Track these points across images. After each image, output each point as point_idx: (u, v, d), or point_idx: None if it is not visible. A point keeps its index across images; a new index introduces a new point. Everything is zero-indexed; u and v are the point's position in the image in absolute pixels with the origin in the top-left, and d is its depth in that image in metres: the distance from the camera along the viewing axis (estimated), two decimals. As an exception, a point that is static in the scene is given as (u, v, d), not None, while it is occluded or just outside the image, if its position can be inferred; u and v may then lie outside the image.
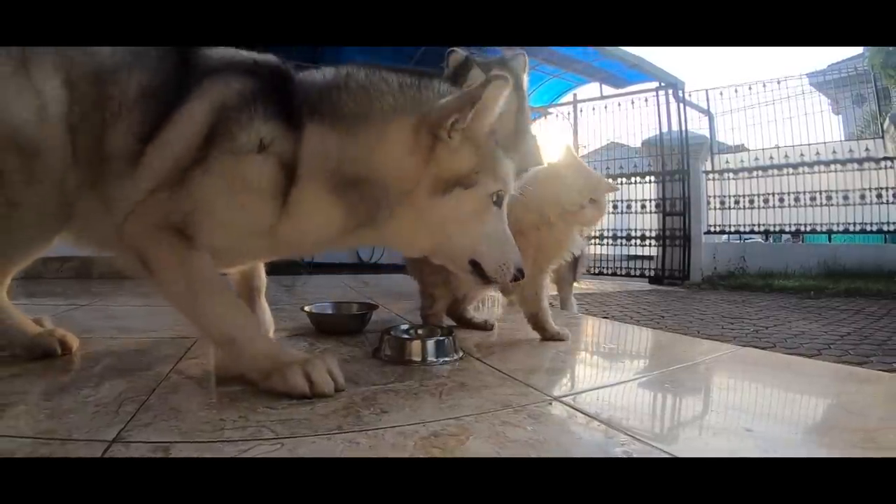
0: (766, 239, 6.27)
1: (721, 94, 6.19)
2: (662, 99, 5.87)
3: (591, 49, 5.03)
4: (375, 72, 0.92)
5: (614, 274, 5.94)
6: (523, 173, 1.01)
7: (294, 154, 0.87)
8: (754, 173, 6.02)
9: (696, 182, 5.84)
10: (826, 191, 5.65)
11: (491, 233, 0.95)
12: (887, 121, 5.62)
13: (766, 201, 5.92)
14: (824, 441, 0.78)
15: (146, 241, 0.87)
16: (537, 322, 1.37)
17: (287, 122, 0.88)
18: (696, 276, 5.53)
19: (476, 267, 0.97)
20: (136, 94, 0.88)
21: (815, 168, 5.72)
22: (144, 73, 0.89)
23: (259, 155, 0.85)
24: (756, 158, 6.13)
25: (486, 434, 0.70)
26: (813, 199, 5.71)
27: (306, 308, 1.46)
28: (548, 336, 1.36)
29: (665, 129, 5.87)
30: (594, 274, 5.83)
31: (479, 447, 0.66)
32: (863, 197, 5.49)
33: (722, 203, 6.10)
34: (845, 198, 5.57)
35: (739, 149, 6.43)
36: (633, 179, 6.06)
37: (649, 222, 5.94)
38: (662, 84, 5.88)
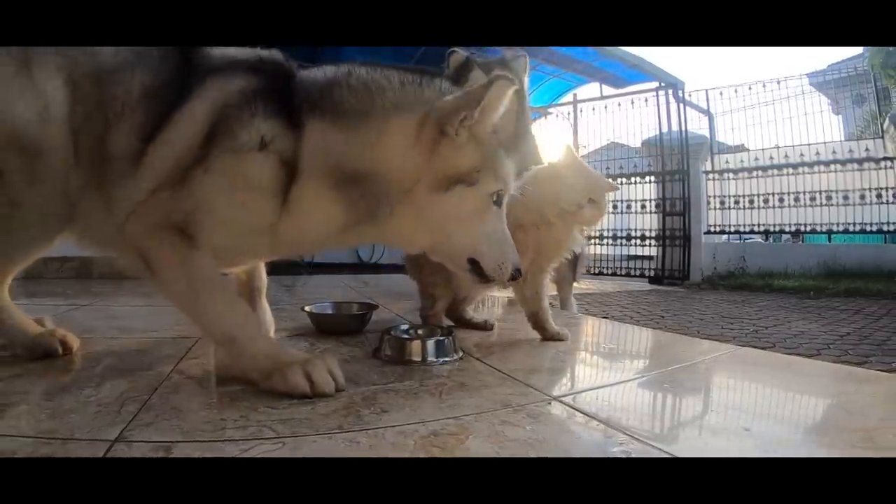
0: (766, 239, 6.27)
1: (721, 94, 6.19)
2: (662, 99, 5.87)
3: (591, 49, 5.03)
4: (376, 69, 0.92)
5: (614, 274, 5.94)
6: (523, 173, 1.02)
7: (295, 151, 0.87)
8: (754, 173, 6.01)
9: (696, 182, 5.84)
10: (826, 191, 5.65)
11: (490, 232, 0.96)
12: (887, 121, 5.62)
13: (766, 201, 5.92)
14: (823, 441, 0.78)
15: (147, 241, 0.87)
16: (537, 321, 1.37)
17: (288, 119, 0.88)
18: (696, 276, 5.53)
19: (475, 266, 0.97)
20: (139, 94, 0.88)
21: (815, 168, 5.71)
22: (147, 73, 0.89)
23: (260, 153, 0.85)
24: (756, 158, 6.12)
25: (485, 433, 0.71)
26: (813, 199, 5.71)
27: (306, 308, 1.47)
28: (548, 336, 1.36)
29: (665, 129, 5.87)
30: (594, 274, 5.83)
31: (478, 446, 0.67)
32: (863, 197, 5.48)
33: (722, 203, 6.10)
34: (845, 198, 5.57)
35: (739, 149, 6.42)
36: (633, 179, 6.05)
37: (649, 222, 5.94)
38: (662, 84, 5.88)
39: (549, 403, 0.87)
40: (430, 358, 1.10)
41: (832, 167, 5.65)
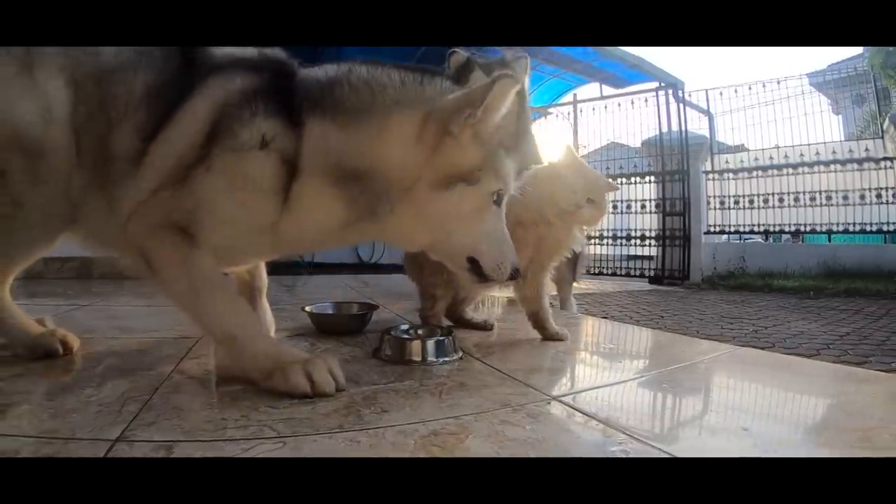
0: (766, 239, 6.27)
1: (721, 94, 6.18)
2: (662, 99, 5.87)
3: (591, 49, 5.03)
4: (377, 67, 0.92)
5: (614, 274, 5.94)
6: (523, 173, 1.02)
7: (296, 149, 0.88)
8: (754, 173, 6.01)
9: (696, 182, 5.84)
10: (826, 191, 5.65)
11: (490, 231, 0.96)
12: (887, 121, 5.62)
13: (765, 201, 5.92)
14: (821, 441, 0.79)
15: (149, 240, 0.87)
16: (537, 320, 1.38)
17: (289, 117, 0.88)
18: (695, 276, 5.53)
19: (474, 265, 0.97)
20: (141, 94, 0.88)
21: (815, 168, 5.71)
22: (149, 73, 0.90)
23: (261, 151, 0.86)
24: (756, 158, 6.12)
25: (485, 433, 0.71)
26: (813, 199, 5.71)
27: (307, 308, 1.47)
28: (547, 335, 1.37)
29: (665, 129, 5.87)
30: (594, 274, 5.84)
31: (478, 446, 0.67)
32: (862, 197, 5.48)
33: (722, 203, 6.10)
34: (845, 198, 5.57)
35: (739, 149, 6.42)
36: (633, 179, 6.05)
37: (649, 222, 5.94)
38: (662, 84, 5.88)
39: (549, 403, 0.87)
40: (430, 358, 1.10)
41: (832, 167, 5.65)
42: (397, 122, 0.88)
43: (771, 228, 5.96)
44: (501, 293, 2.15)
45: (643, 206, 5.98)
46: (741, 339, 2.27)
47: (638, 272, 5.88)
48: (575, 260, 2.40)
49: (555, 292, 2.43)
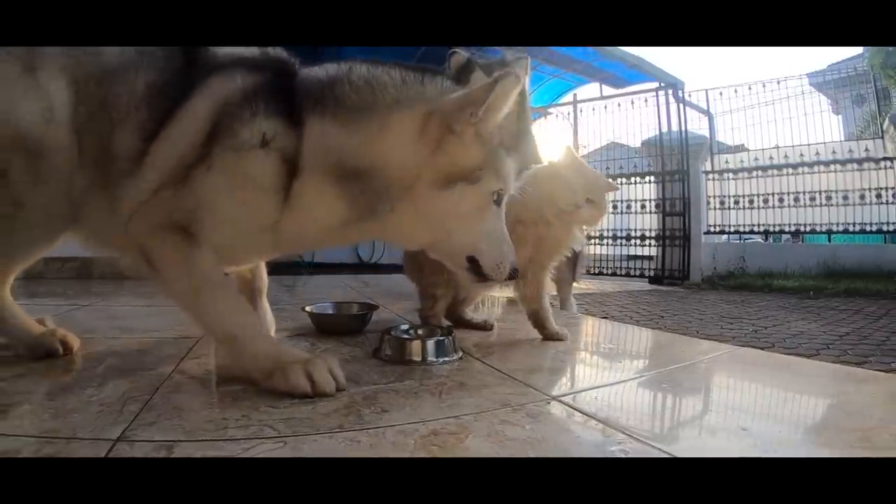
0: (766, 239, 6.27)
1: (721, 94, 6.18)
2: (662, 99, 5.87)
3: (591, 49, 5.03)
4: (378, 66, 0.92)
5: (614, 274, 5.95)
6: (523, 173, 1.02)
7: (296, 148, 0.88)
8: (754, 173, 6.01)
9: (696, 182, 5.84)
10: (826, 191, 5.65)
11: (490, 231, 0.96)
12: (887, 121, 5.62)
13: (765, 201, 5.92)
14: (820, 440, 0.79)
15: (150, 240, 0.88)
16: (537, 320, 1.38)
17: (290, 116, 0.88)
18: (695, 276, 5.53)
19: (473, 264, 0.97)
20: (142, 94, 0.88)
21: (815, 168, 5.71)
22: (150, 73, 0.90)
23: (261, 150, 0.86)
24: (756, 158, 6.12)
25: (485, 433, 0.71)
26: (813, 199, 5.71)
27: (307, 308, 1.47)
28: (547, 334, 1.37)
29: (665, 130, 5.87)
30: (594, 274, 5.84)
31: (478, 446, 0.67)
32: (862, 197, 5.48)
33: (722, 203, 6.10)
34: (845, 198, 5.57)
35: (739, 149, 6.42)
36: (633, 179, 6.06)
37: (649, 222, 5.94)
38: (662, 84, 5.88)
39: (549, 403, 0.87)
40: (430, 358, 1.10)
41: (832, 167, 5.65)
42: (398, 121, 0.88)
43: (771, 228, 5.96)
44: (501, 293, 2.15)
45: (643, 206, 5.98)
46: (741, 339, 2.27)
47: (638, 272, 5.88)
48: (575, 260, 2.40)
49: (554, 292, 2.43)
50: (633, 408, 0.92)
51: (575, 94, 6.69)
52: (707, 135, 6.22)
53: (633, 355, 1.47)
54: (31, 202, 0.87)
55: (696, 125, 6.19)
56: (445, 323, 1.44)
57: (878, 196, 5.41)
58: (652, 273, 5.76)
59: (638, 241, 5.96)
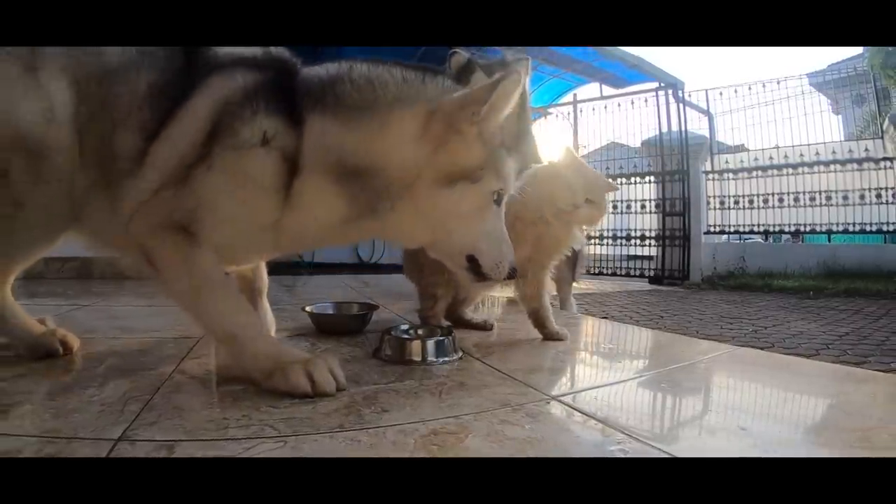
0: (766, 239, 6.28)
1: (721, 94, 6.18)
2: (662, 99, 5.87)
3: (591, 49, 5.03)
4: (379, 65, 0.93)
5: (614, 274, 5.95)
6: (523, 173, 1.02)
7: (297, 146, 0.88)
8: (754, 173, 6.02)
9: (696, 182, 5.84)
10: (826, 191, 5.65)
11: (490, 231, 0.96)
12: (887, 121, 5.62)
13: (765, 201, 5.92)
14: (819, 440, 0.79)
15: (150, 240, 0.88)
16: (538, 319, 1.38)
17: (290, 114, 0.88)
18: (695, 277, 5.53)
19: (472, 263, 0.98)
20: (143, 94, 0.89)
21: (815, 168, 5.72)
22: (151, 72, 0.90)
23: (262, 149, 0.86)
24: (756, 159, 6.12)
25: (484, 432, 0.71)
26: (812, 199, 5.71)
27: (307, 308, 1.47)
28: (547, 333, 1.37)
29: (665, 130, 5.87)
30: (594, 274, 5.84)
31: (477, 445, 0.67)
32: (862, 197, 5.49)
33: (722, 203, 6.10)
34: (845, 198, 5.57)
35: (739, 149, 6.42)
36: (633, 179, 6.06)
37: (649, 222, 5.94)
38: (662, 84, 5.88)
39: (548, 403, 0.87)
40: (430, 358, 1.11)
41: (832, 167, 5.65)
42: (399, 119, 0.88)
43: (771, 228, 5.96)
44: (501, 293, 2.15)
45: (643, 206, 5.98)
46: (741, 339, 2.27)
47: (638, 272, 5.88)
48: (574, 260, 2.40)
49: (554, 292, 2.43)
50: (633, 408, 0.92)
51: (575, 94, 6.70)
52: (707, 135, 6.23)
53: (632, 355, 1.47)
54: (31, 202, 0.87)
55: (696, 125, 6.20)
56: (445, 323, 1.44)
57: (878, 196, 5.41)
58: (652, 273, 5.76)
59: (638, 241, 5.96)
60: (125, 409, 0.77)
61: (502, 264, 0.97)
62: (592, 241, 5.87)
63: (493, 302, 2.20)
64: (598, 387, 1.04)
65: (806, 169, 5.75)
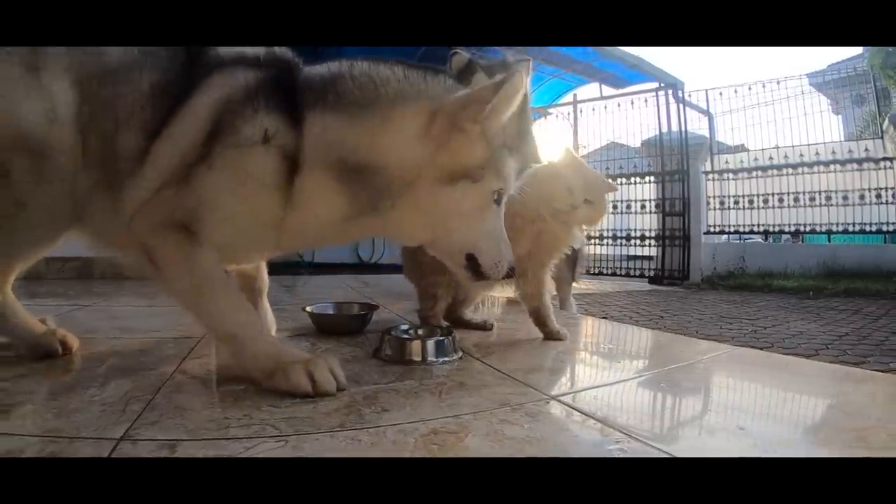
0: (766, 239, 6.28)
1: (721, 94, 6.18)
2: (662, 99, 5.87)
3: (591, 49, 5.03)
4: (380, 63, 0.93)
5: (614, 274, 5.95)
6: (523, 173, 1.03)
7: (298, 144, 0.88)
8: (754, 173, 6.02)
9: (696, 182, 5.84)
10: (825, 191, 5.65)
11: (490, 230, 0.97)
12: (887, 121, 5.62)
13: (765, 201, 5.92)
14: (817, 440, 0.79)
15: (152, 239, 0.88)
16: (538, 317, 1.39)
17: (291, 112, 0.88)
18: (695, 277, 5.53)
19: (471, 262, 0.98)
20: (146, 93, 0.89)
21: (815, 168, 5.72)
22: (153, 72, 0.90)
23: (263, 147, 0.86)
24: (756, 159, 6.12)
25: (484, 432, 0.72)
26: (812, 199, 5.71)
27: (307, 308, 1.48)
28: (548, 332, 1.38)
29: (665, 130, 5.87)
30: (593, 274, 5.84)
31: (477, 444, 0.68)
32: (862, 197, 5.49)
33: (722, 203, 6.10)
34: (845, 198, 5.57)
35: (739, 149, 6.43)
36: (632, 179, 6.06)
37: (649, 222, 5.94)
38: (662, 84, 5.88)
39: (548, 402, 0.88)
40: (430, 358, 1.11)
41: (832, 167, 5.65)
42: (400, 116, 0.88)
43: (771, 228, 5.96)
44: (501, 293, 2.16)
45: (643, 206, 5.98)
46: (740, 340, 2.28)
47: (638, 272, 5.88)
48: (574, 260, 2.40)
49: (554, 292, 2.43)
50: (632, 407, 0.92)
51: (575, 95, 6.70)
52: (707, 135, 6.22)
53: (632, 355, 1.47)
54: (33, 202, 0.87)
55: (696, 125, 6.20)
56: (444, 323, 1.45)
57: (878, 196, 5.41)
58: (652, 273, 5.76)
59: (638, 242, 5.96)
60: (127, 408, 0.77)
61: (501, 263, 0.98)
62: (592, 241, 5.87)
63: (492, 302, 2.20)
64: (597, 387, 1.05)
65: (806, 169, 5.75)
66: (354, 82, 0.90)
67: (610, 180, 1.64)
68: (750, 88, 6.11)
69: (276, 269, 1.37)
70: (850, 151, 5.70)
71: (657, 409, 0.96)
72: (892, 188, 5.36)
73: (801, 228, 5.90)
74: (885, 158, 5.44)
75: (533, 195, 1.21)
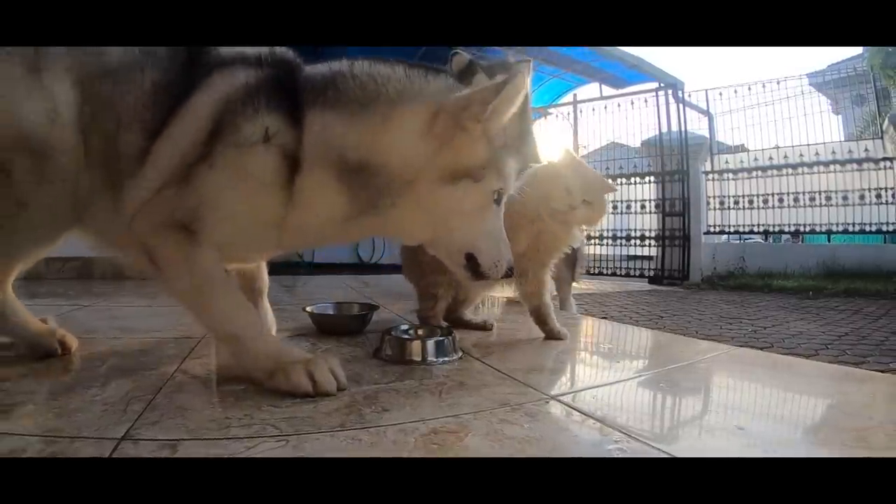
0: (766, 239, 6.28)
1: (721, 94, 6.19)
2: (662, 99, 5.87)
3: (590, 49, 5.03)
4: (381, 62, 0.93)
5: (614, 274, 5.95)
6: (524, 173, 1.03)
7: (299, 143, 0.88)
8: (754, 173, 6.02)
9: (696, 182, 5.84)
10: (825, 191, 5.66)
11: (490, 230, 0.97)
12: (886, 121, 5.62)
13: (765, 201, 5.93)
14: (817, 440, 0.79)
15: (152, 239, 0.88)
16: (539, 316, 1.39)
17: (292, 111, 0.88)
18: (695, 277, 5.53)
19: (471, 261, 0.98)
20: (147, 93, 0.89)
21: (815, 168, 5.72)
22: (154, 71, 0.90)
23: (263, 146, 0.86)
24: (756, 159, 6.12)
25: (484, 431, 0.72)
26: (812, 199, 5.71)
27: (308, 308, 1.48)
28: (549, 331, 1.38)
29: (665, 130, 5.87)
30: (593, 274, 5.84)
31: (477, 444, 0.68)
32: (862, 197, 5.49)
33: (721, 203, 6.11)
34: (845, 198, 5.57)
35: (739, 149, 6.43)
36: (632, 180, 6.06)
37: (649, 222, 5.94)
38: (662, 84, 5.88)
39: (547, 402, 0.88)
40: (430, 358, 1.11)
41: (832, 167, 5.65)
42: (401, 115, 0.88)
43: (771, 228, 5.96)
44: (501, 293, 2.16)
45: (643, 207, 5.98)
46: (740, 340, 2.28)
47: (638, 272, 5.88)
48: (574, 260, 2.40)
49: (555, 292, 2.43)
50: (632, 407, 0.93)
51: (575, 95, 6.71)
52: (707, 135, 6.23)
53: (631, 355, 1.47)
54: (35, 202, 0.87)
55: (696, 125, 6.20)
56: (444, 323, 1.45)
57: (878, 196, 5.42)
58: (652, 273, 5.76)
59: (638, 242, 5.96)
60: (128, 408, 0.77)
61: (500, 263, 0.98)
62: (592, 241, 5.87)
63: (492, 302, 2.20)
64: (596, 386, 1.05)
65: (806, 169, 5.76)
66: (355, 81, 0.90)
67: (609, 180, 1.64)
68: (750, 89, 6.12)
69: (276, 269, 1.37)
70: (850, 151, 5.70)
71: (657, 408, 0.96)
72: (892, 188, 5.37)
73: (801, 228, 5.90)
74: (885, 158, 5.44)
75: (532, 195, 1.21)
